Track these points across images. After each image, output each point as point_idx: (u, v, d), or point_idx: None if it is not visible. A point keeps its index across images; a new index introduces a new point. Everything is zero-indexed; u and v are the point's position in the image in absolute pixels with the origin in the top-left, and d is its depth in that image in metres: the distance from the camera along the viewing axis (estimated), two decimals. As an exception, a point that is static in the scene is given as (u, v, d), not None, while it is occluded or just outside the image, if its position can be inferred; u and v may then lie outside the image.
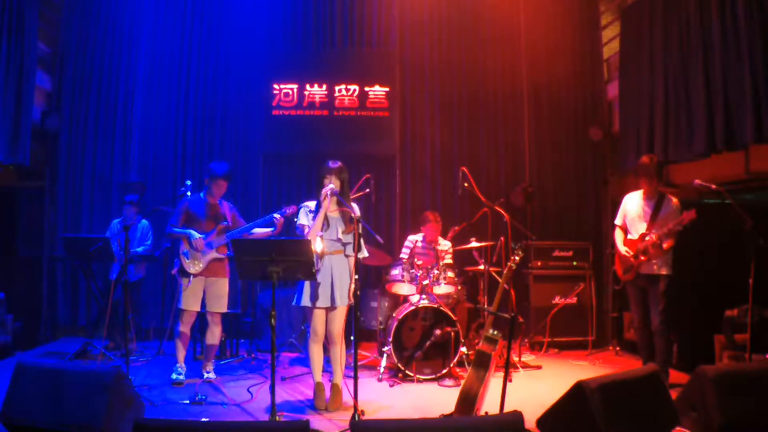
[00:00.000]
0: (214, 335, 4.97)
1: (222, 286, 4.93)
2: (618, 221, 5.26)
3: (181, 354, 4.95)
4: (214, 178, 4.86)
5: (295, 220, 4.55)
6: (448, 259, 5.87)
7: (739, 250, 4.59)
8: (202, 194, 4.99)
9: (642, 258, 4.92)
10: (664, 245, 4.82)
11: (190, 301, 4.85)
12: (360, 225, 4.07)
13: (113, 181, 7.01)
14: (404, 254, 5.97)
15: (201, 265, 4.83)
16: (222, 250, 4.92)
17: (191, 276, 4.83)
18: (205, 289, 4.89)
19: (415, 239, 6.02)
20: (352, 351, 4.18)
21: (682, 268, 5.04)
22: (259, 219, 4.92)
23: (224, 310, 4.96)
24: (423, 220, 5.97)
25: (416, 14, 7.39)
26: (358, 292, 4.04)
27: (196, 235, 4.79)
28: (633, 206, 5.14)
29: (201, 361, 5.16)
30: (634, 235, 5.07)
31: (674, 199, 4.97)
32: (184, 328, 4.90)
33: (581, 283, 6.69)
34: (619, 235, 5.22)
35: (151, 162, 7.12)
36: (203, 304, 4.92)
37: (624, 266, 5.11)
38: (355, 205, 4.45)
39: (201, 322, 5.48)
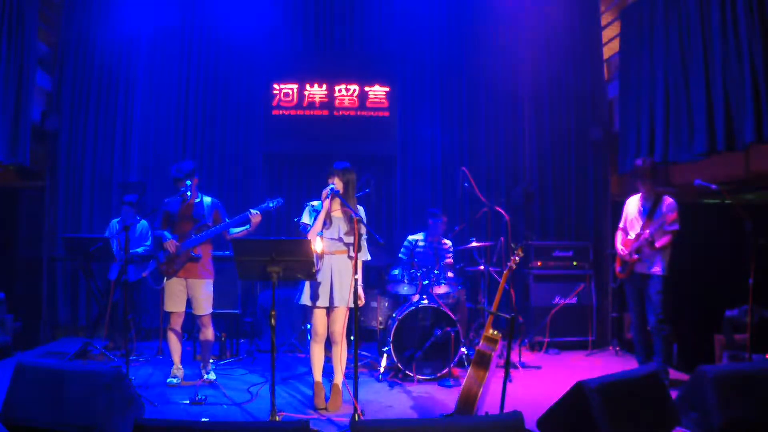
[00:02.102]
0: (206, 335, 4.92)
1: (203, 288, 4.81)
2: (621, 224, 5.43)
3: (176, 354, 4.93)
4: (174, 181, 4.80)
5: (296, 220, 4.55)
6: (449, 258, 5.87)
7: (739, 250, 4.59)
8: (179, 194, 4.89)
9: (635, 256, 5.05)
10: (657, 243, 4.93)
11: (172, 303, 4.80)
12: (361, 225, 4.07)
13: (113, 181, 7.00)
14: (403, 254, 5.97)
15: (175, 267, 4.76)
16: (200, 250, 4.81)
17: (165, 278, 4.80)
18: (188, 292, 4.83)
19: (414, 239, 6.02)
20: (352, 351, 4.18)
21: (682, 268, 5.06)
22: (236, 217, 4.78)
23: (209, 311, 4.86)
24: (433, 217, 5.94)
25: (416, 14, 7.38)
26: (363, 295, 4.05)
27: (168, 236, 4.73)
28: (632, 208, 5.30)
29: (200, 362, 5.14)
30: (631, 235, 5.19)
31: (669, 199, 5.08)
32: (173, 328, 4.87)
33: (581, 283, 6.70)
34: (619, 236, 5.39)
35: (151, 162, 7.11)
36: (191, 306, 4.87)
37: (620, 265, 5.26)
38: (361, 208, 4.44)
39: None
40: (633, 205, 5.31)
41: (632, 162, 6.43)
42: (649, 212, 5.09)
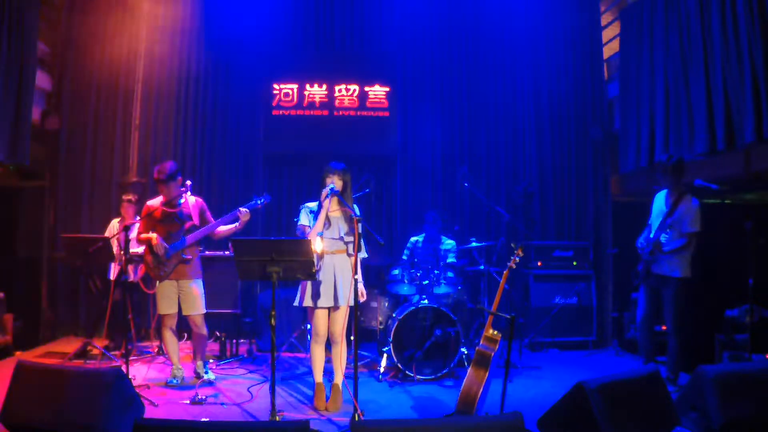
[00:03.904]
0: (200, 331, 4.90)
1: (194, 288, 4.78)
2: (650, 219, 5.16)
3: (175, 355, 4.92)
4: (157, 182, 4.74)
5: (295, 220, 4.55)
6: (452, 258, 5.85)
7: (739, 250, 4.59)
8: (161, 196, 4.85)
9: (647, 258, 4.93)
10: (665, 248, 4.79)
11: (165, 305, 4.78)
12: (360, 225, 4.07)
13: (113, 181, 7.00)
14: (406, 255, 5.97)
15: (166, 270, 4.73)
16: (190, 253, 4.79)
17: (157, 281, 4.77)
18: (179, 294, 4.80)
19: (416, 239, 6.02)
20: (352, 351, 4.18)
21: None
22: (225, 215, 4.76)
23: (201, 311, 4.83)
24: (426, 223, 5.93)
25: (416, 14, 7.38)
26: (365, 291, 4.05)
27: (156, 239, 4.68)
28: (658, 204, 5.08)
29: (204, 362, 5.11)
30: (652, 233, 5.00)
31: (693, 200, 4.83)
32: (166, 330, 4.86)
33: (581, 283, 6.70)
34: (644, 232, 5.13)
35: (151, 162, 7.10)
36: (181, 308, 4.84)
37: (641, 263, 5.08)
38: (355, 207, 4.45)
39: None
40: (659, 200, 5.06)
41: (633, 160, 6.45)
42: (669, 212, 4.86)
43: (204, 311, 4.88)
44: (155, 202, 4.88)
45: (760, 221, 4.52)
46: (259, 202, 4.65)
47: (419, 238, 6.01)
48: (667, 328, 4.91)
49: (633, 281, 5.17)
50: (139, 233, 4.85)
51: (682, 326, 4.86)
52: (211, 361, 5.64)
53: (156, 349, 5.93)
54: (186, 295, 4.78)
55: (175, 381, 4.83)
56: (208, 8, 7.27)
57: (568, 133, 7.38)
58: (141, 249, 5.85)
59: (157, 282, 4.80)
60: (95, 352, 5.61)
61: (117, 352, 5.71)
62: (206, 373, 4.99)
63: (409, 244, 6.05)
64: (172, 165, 4.77)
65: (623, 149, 6.73)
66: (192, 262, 4.80)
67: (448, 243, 5.95)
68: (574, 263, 6.81)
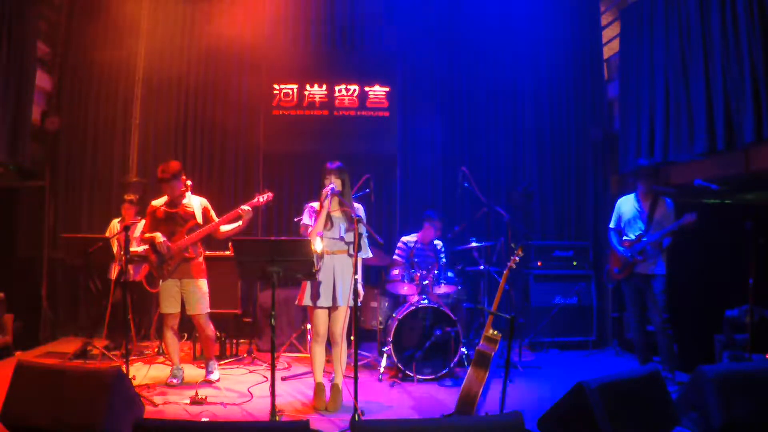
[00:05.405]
0: (207, 332, 4.90)
1: (197, 287, 4.78)
2: (612, 224, 5.40)
3: (175, 355, 4.91)
4: (160, 181, 4.75)
5: (296, 219, 4.55)
6: (443, 258, 5.86)
7: (739, 250, 4.60)
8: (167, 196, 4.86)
9: (638, 258, 5.02)
10: (665, 245, 4.96)
11: (168, 304, 4.78)
12: (361, 225, 4.07)
13: (113, 181, 7.00)
14: (397, 256, 5.94)
15: (170, 269, 4.73)
16: (193, 252, 4.80)
17: (160, 281, 4.77)
18: (182, 293, 4.80)
19: (410, 240, 5.99)
20: (352, 351, 4.18)
21: (682, 268, 5.08)
22: (227, 214, 4.76)
23: (205, 310, 4.83)
24: (428, 221, 5.92)
25: (416, 14, 7.38)
26: (362, 292, 4.05)
27: (160, 238, 4.69)
28: (628, 208, 5.26)
29: (201, 362, 5.10)
30: (630, 236, 5.16)
31: (668, 200, 5.08)
32: (168, 330, 4.85)
33: (581, 283, 6.70)
34: (614, 237, 5.35)
35: (151, 162, 7.10)
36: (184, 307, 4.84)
37: (619, 265, 5.20)
38: (358, 206, 4.45)
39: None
40: (628, 205, 5.27)
41: (633, 162, 6.45)
42: (649, 213, 5.07)
43: (208, 310, 4.88)
44: (159, 201, 4.89)
45: (760, 221, 4.53)
46: (261, 199, 4.66)
47: (413, 237, 5.99)
48: (656, 326, 4.98)
49: (606, 283, 5.27)
50: (142, 233, 4.86)
51: (673, 322, 4.95)
52: (217, 365, 5.63)
53: (156, 349, 5.93)
54: (189, 295, 4.78)
55: (175, 381, 4.82)
56: (207, 8, 7.26)
57: (568, 133, 7.38)
58: (141, 248, 5.86)
59: (160, 281, 4.81)
60: (95, 352, 5.61)
61: (117, 352, 5.70)
62: (212, 372, 4.98)
63: (400, 244, 6.03)
64: (176, 164, 4.80)
65: (623, 149, 6.73)
66: (195, 261, 4.81)
67: (435, 243, 5.95)
68: (574, 263, 6.81)
